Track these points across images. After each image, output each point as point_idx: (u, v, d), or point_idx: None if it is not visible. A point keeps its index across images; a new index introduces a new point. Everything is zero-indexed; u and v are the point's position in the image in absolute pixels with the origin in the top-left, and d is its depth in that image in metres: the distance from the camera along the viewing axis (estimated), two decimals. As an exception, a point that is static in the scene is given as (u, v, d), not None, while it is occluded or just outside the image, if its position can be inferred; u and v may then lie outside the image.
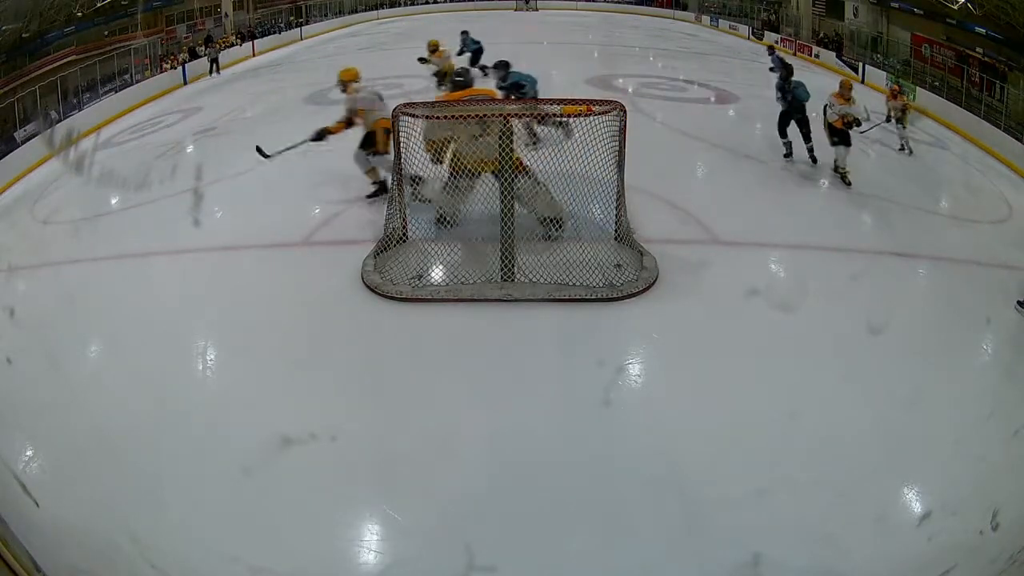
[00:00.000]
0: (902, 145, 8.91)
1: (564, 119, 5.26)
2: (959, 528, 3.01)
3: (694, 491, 3.23)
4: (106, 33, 13.24)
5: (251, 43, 16.78)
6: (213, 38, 15.80)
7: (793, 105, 7.35)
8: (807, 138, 7.33)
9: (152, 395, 3.84)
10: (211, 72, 14.68)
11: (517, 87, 7.27)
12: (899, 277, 5.38)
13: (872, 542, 2.98)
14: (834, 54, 14.72)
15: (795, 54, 15.98)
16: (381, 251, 5.17)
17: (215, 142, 9.16)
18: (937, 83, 11.82)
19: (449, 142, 5.07)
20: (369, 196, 6.23)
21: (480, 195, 5.03)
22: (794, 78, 7.52)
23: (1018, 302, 4.87)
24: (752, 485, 3.19)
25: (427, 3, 23.89)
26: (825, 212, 6.62)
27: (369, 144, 6.08)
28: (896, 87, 9.42)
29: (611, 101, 5.00)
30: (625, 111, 4.97)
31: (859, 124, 7.03)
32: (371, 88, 6.34)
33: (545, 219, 5.23)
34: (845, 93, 7.01)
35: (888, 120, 9.05)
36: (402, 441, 3.53)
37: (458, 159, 5.05)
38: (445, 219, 5.32)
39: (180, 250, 5.66)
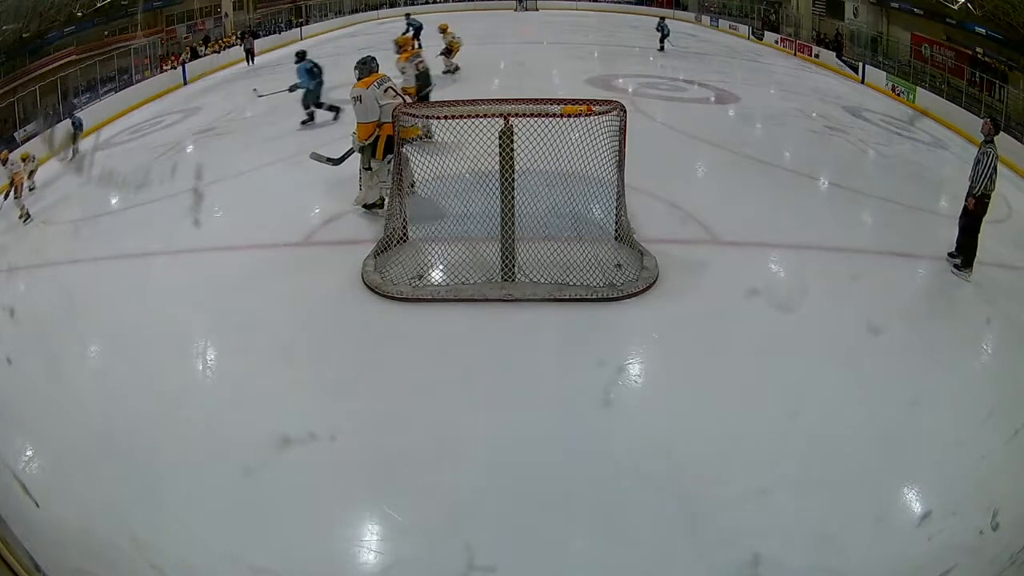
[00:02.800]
0: (447, 69, 10.73)
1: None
2: (959, 528, 3.01)
3: (694, 491, 3.23)
4: (106, 33, 13.22)
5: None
6: (211, 39, 15.91)
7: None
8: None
9: (152, 395, 3.84)
10: (248, 62, 15.26)
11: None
12: (899, 277, 5.38)
13: (872, 542, 2.98)
14: (834, 54, 14.73)
15: (795, 54, 16.00)
16: (381, 251, 5.17)
17: (215, 142, 9.16)
18: (937, 83, 11.83)
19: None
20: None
21: (480, 194, 5.03)
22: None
23: (948, 255, 5.26)
24: (752, 485, 3.19)
25: (427, 3, 23.89)
26: (825, 212, 6.63)
27: None
28: (444, 24, 11.02)
29: (611, 101, 4.99)
30: (625, 111, 4.97)
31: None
32: None
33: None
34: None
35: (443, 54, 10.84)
36: (402, 441, 3.53)
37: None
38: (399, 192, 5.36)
39: (180, 250, 5.66)
